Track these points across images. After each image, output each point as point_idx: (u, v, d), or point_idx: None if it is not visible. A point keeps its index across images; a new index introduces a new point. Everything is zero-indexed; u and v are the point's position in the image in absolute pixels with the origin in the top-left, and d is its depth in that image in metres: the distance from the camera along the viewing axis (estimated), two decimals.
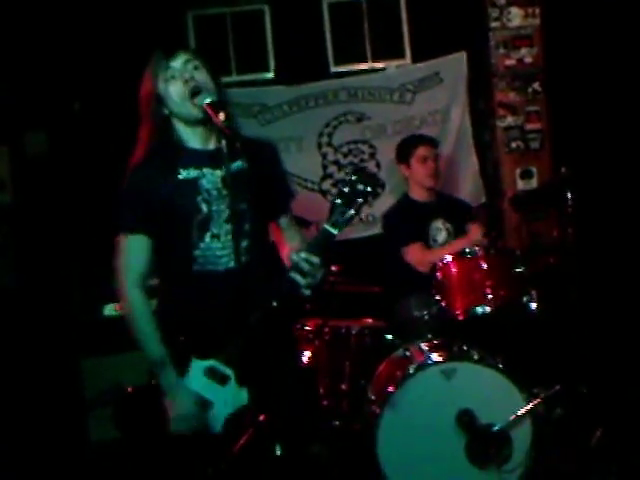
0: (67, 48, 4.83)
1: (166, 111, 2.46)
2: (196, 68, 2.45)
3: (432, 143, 4.38)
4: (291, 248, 2.56)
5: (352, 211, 2.28)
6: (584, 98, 4.89)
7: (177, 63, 2.44)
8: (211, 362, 2.42)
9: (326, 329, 3.91)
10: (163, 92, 2.44)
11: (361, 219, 5.06)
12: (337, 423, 3.75)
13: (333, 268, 4.07)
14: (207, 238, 2.43)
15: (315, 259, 2.29)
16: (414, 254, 4.11)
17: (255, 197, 2.44)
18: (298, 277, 2.30)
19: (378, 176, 2.30)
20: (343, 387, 3.81)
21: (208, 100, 2.37)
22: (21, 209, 4.72)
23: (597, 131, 4.84)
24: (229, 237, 2.43)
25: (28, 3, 4.73)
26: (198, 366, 2.43)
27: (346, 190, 2.29)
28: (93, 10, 4.84)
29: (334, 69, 5.27)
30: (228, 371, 2.40)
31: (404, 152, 4.34)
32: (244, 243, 2.45)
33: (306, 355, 3.88)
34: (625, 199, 4.76)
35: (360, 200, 2.28)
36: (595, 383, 3.78)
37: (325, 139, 5.15)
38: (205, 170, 2.45)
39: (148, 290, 2.50)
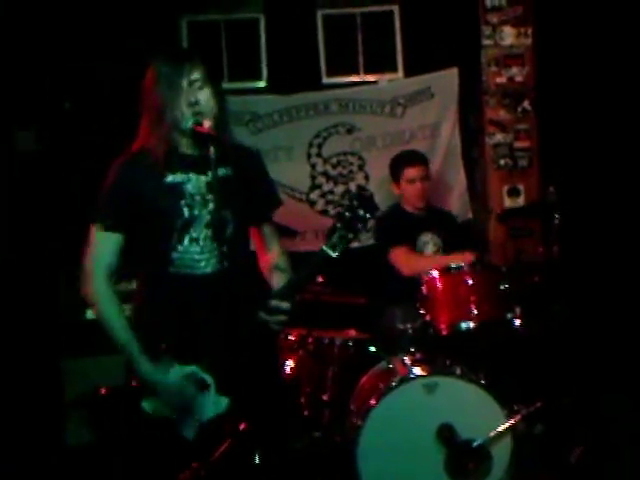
0: (60, 48, 4.81)
1: (163, 115, 2.45)
2: (201, 88, 2.45)
3: (421, 162, 4.35)
4: (270, 258, 2.63)
5: (351, 235, 2.33)
6: (573, 118, 4.93)
7: (191, 80, 2.43)
8: (192, 368, 2.42)
9: (310, 339, 3.91)
10: (166, 99, 2.43)
11: None
12: (317, 434, 3.74)
13: (318, 279, 4.06)
14: (186, 241, 2.46)
15: (285, 305, 2.37)
16: (399, 255, 4.12)
17: (239, 204, 2.47)
18: (269, 319, 2.37)
19: (375, 202, 2.38)
20: (325, 398, 3.79)
21: (190, 122, 2.41)
22: (8, 207, 4.69)
23: (585, 151, 4.88)
24: (208, 242, 2.46)
25: (22, 2, 4.72)
26: (177, 373, 2.42)
27: (347, 214, 2.34)
28: (87, 11, 4.83)
29: (326, 80, 5.27)
30: (208, 378, 2.41)
31: (395, 172, 4.34)
32: (224, 249, 2.46)
33: (289, 365, 3.87)
34: (611, 218, 4.79)
35: (360, 225, 2.34)
36: (576, 400, 3.80)
37: (315, 150, 5.16)
38: (191, 175, 2.48)
39: (116, 287, 2.51)
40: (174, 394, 2.39)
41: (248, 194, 2.50)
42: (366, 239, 4.74)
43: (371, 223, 4.46)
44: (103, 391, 3.93)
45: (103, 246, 2.47)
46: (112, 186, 2.48)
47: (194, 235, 2.46)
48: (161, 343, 2.43)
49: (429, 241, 4.26)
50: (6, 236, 4.63)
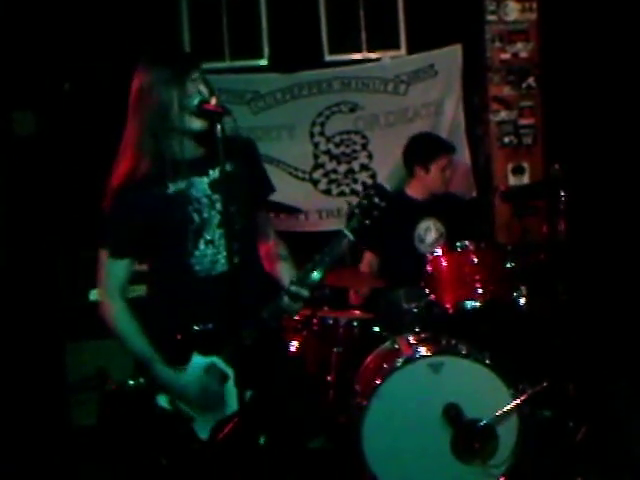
0: (58, 29, 4.76)
1: (166, 117, 2.41)
2: (200, 84, 2.42)
3: (453, 152, 4.37)
4: (269, 247, 2.66)
5: (368, 222, 2.42)
6: (578, 95, 4.87)
7: (192, 79, 2.40)
8: (213, 359, 2.43)
9: (314, 320, 3.89)
10: (171, 99, 2.39)
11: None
12: (322, 414, 3.73)
13: None
14: (201, 245, 2.46)
15: (304, 292, 2.41)
16: (364, 263, 4.30)
17: (243, 197, 2.48)
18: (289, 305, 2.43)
19: (389, 191, 2.48)
20: (329, 378, 3.78)
21: (197, 100, 2.38)
22: (7, 190, 4.66)
23: (591, 128, 4.83)
24: (222, 241, 2.46)
25: None
26: (199, 362, 2.44)
27: (365, 202, 2.42)
28: None
29: (328, 58, 5.21)
30: (228, 370, 2.41)
31: (425, 156, 4.24)
32: (236, 245, 2.45)
33: (293, 345, 3.85)
34: (617, 197, 4.75)
35: (376, 213, 2.42)
36: (582, 380, 3.79)
37: (317, 128, 5.11)
38: (193, 179, 2.47)
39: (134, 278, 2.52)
40: (196, 395, 2.41)
41: (246, 185, 2.51)
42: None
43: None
44: (113, 387, 3.91)
45: (112, 271, 2.49)
46: (113, 215, 2.45)
47: (208, 237, 2.46)
48: (177, 333, 2.44)
49: (431, 227, 4.23)
50: (5, 220, 4.61)
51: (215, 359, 2.42)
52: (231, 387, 2.38)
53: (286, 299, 2.41)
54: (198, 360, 2.43)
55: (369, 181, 5.09)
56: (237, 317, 2.35)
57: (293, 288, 2.41)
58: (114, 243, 2.48)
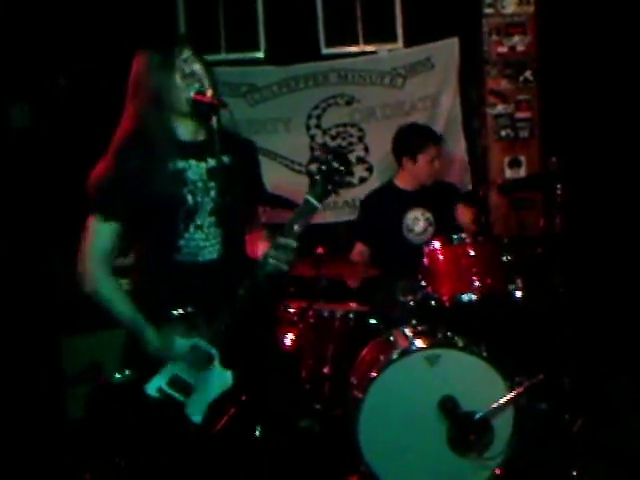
0: (53, 22, 4.74)
1: (161, 102, 2.43)
2: (193, 62, 2.45)
3: (441, 142, 4.36)
4: (259, 235, 2.68)
5: (330, 187, 2.43)
6: (575, 88, 4.87)
7: (183, 59, 2.44)
8: (195, 340, 2.41)
9: (310, 312, 3.89)
10: (163, 84, 2.42)
11: (347, 202, 5.04)
12: (318, 407, 3.72)
13: (319, 250, 4.02)
14: (191, 228, 2.47)
15: (292, 242, 2.40)
16: (355, 253, 4.29)
17: (239, 190, 2.50)
18: (279, 256, 2.40)
19: (347, 156, 2.49)
20: (325, 371, 3.78)
21: (192, 92, 2.41)
22: (2, 183, 4.64)
23: (588, 121, 4.83)
24: (212, 229, 2.49)
25: None
26: (181, 345, 2.42)
27: (324, 168, 2.43)
28: None
29: (325, 51, 5.20)
30: (212, 350, 2.40)
31: (412, 146, 4.24)
32: (225, 235, 2.50)
33: (289, 337, 3.85)
34: (614, 190, 4.75)
35: (337, 177, 2.43)
36: (578, 373, 3.79)
37: (314, 121, 5.10)
38: (191, 162, 2.48)
39: (114, 269, 2.52)
40: (184, 357, 2.40)
41: (244, 182, 2.54)
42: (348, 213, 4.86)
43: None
44: (102, 380, 3.90)
45: (101, 235, 2.47)
46: (111, 177, 2.44)
47: (199, 222, 2.48)
48: (161, 316, 2.42)
49: (420, 217, 4.24)
50: (1, 212, 4.59)
51: (197, 340, 2.41)
52: (218, 367, 2.39)
53: (272, 253, 2.39)
54: (180, 344, 2.41)
55: (365, 174, 5.08)
56: (219, 303, 2.36)
57: (271, 260, 2.39)
58: (105, 205, 2.45)
